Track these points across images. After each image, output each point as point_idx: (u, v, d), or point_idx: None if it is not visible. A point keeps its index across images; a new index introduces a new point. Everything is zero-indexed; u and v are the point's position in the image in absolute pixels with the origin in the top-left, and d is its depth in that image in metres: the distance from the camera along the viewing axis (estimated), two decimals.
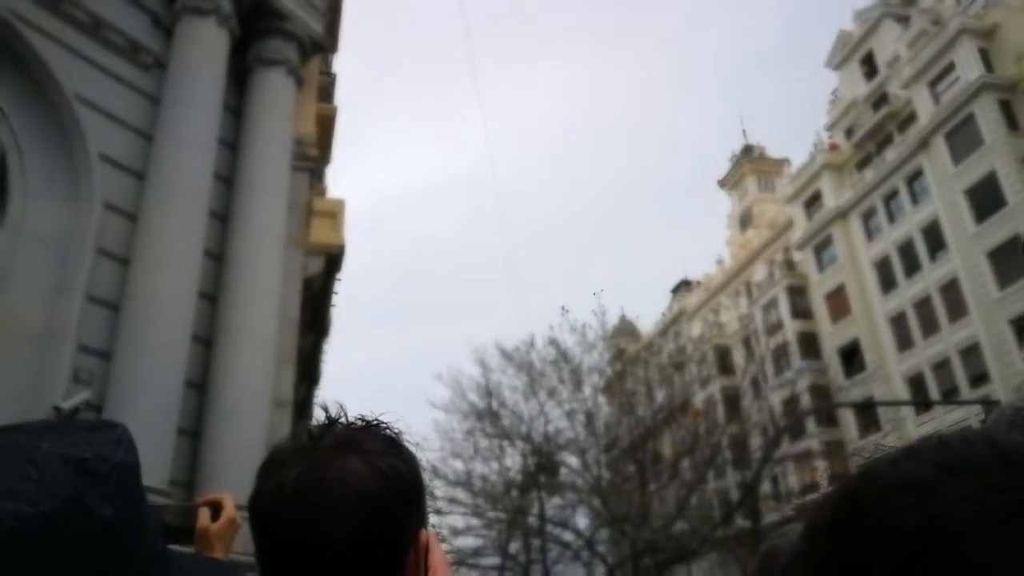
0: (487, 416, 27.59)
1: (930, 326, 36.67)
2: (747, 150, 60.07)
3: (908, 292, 38.17)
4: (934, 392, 35.47)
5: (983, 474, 0.49)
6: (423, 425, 28.12)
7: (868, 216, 41.65)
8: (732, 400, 41.32)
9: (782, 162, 56.05)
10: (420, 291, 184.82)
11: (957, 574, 0.45)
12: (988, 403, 22.15)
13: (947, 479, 0.49)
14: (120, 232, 8.00)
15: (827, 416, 40.17)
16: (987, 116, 34.38)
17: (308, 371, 16.45)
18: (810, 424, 39.39)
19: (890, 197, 40.19)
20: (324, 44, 10.71)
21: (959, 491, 0.48)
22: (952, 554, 0.46)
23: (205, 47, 8.89)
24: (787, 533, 1.90)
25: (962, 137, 35.54)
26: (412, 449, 1.13)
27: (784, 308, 45.63)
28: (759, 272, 50.55)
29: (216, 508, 1.75)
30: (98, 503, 0.78)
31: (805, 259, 46.15)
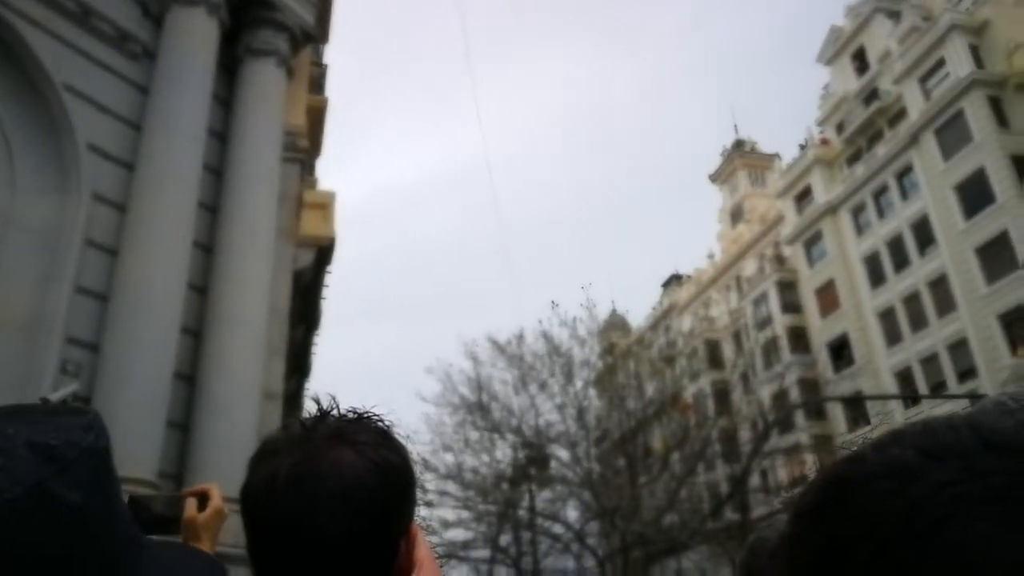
0: (478, 409, 27.63)
1: (919, 321, 36.87)
2: (738, 145, 60.17)
3: (897, 287, 38.35)
4: (922, 386, 35.70)
5: (966, 459, 0.49)
6: (414, 418, 28.13)
7: (858, 211, 41.81)
8: (722, 394, 41.54)
9: (773, 157, 56.19)
10: (416, 286, 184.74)
11: (940, 557, 0.46)
12: (976, 397, 22.29)
13: (930, 463, 0.50)
14: (109, 223, 7.95)
15: (816, 410, 40.38)
16: (977, 112, 34.52)
17: (298, 363, 16.41)
18: (799, 418, 39.59)
19: (880, 192, 40.35)
20: (315, 35, 10.66)
21: (942, 475, 0.48)
22: (935, 537, 0.46)
23: (195, 37, 8.83)
24: (775, 523, 1.90)
25: (952, 133, 35.68)
26: (403, 442, 1.14)
27: (774, 302, 45.79)
28: (749, 266, 50.70)
29: (203, 498, 1.74)
30: (65, 489, 0.77)
31: (795, 254, 46.30)
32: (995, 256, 32.98)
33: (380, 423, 1.12)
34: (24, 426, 0.81)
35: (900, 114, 39.86)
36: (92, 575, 0.80)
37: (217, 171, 9.03)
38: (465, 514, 27.51)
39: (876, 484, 0.51)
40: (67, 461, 0.79)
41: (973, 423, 0.52)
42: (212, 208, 8.83)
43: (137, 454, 6.87)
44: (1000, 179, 33.18)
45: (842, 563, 0.50)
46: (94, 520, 0.81)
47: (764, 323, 45.79)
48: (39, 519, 0.75)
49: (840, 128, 44.81)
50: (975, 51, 35.86)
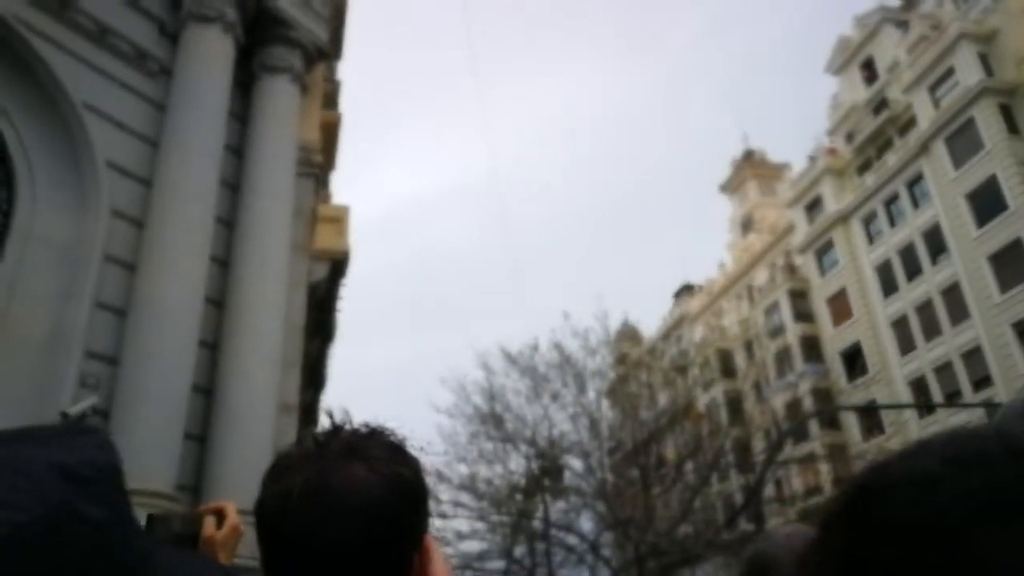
0: (491, 420, 27.58)
1: (932, 329, 36.66)
2: (748, 155, 60.12)
3: (909, 296, 38.17)
4: (936, 395, 35.43)
5: (989, 468, 0.49)
6: (428, 429, 28.14)
7: (869, 220, 41.68)
8: (735, 403, 41.37)
9: (783, 166, 56.11)
10: (429, 297, 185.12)
11: (960, 566, 0.46)
12: (991, 406, 22.16)
13: (953, 473, 0.49)
14: (127, 238, 8.05)
15: (830, 419, 40.13)
16: (987, 120, 34.42)
17: (314, 376, 16.48)
18: (813, 427, 39.38)
19: (891, 201, 40.23)
20: (328, 51, 10.78)
21: (964, 485, 0.48)
22: (955, 547, 0.46)
23: (210, 54, 8.96)
24: (771, 537, 1.90)
25: (962, 141, 35.58)
26: (416, 454, 1.15)
27: (786, 312, 45.64)
28: (761, 276, 50.57)
29: (219, 516, 1.77)
30: (87, 507, 0.80)
31: (806, 263, 46.16)
32: (1009, 264, 32.80)
33: (393, 437, 1.13)
34: (40, 448, 0.83)
35: (910, 123, 39.78)
36: None
37: (233, 186, 9.13)
38: (479, 525, 27.43)
39: (900, 493, 0.51)
40: (86, 479, 0.81)
41: (1000, 432, 0.52)
42: (228, 223, 8.93)
43: (155, 466, 6.94)
44: (1012, 186, 33.04)
45: (866, 571, 0.51)
46: (115, 534, 0.84)
47: (776, 332, 45.64)
48: (66, 536, 0.78)
49: (850, 137, 44.74)
50: (984, 59, 35.78)
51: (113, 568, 0.83)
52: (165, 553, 1.05)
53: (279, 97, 9.63)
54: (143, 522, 1.58)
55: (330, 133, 12.30)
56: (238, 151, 9.33)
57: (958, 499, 0.48)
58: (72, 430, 0.90)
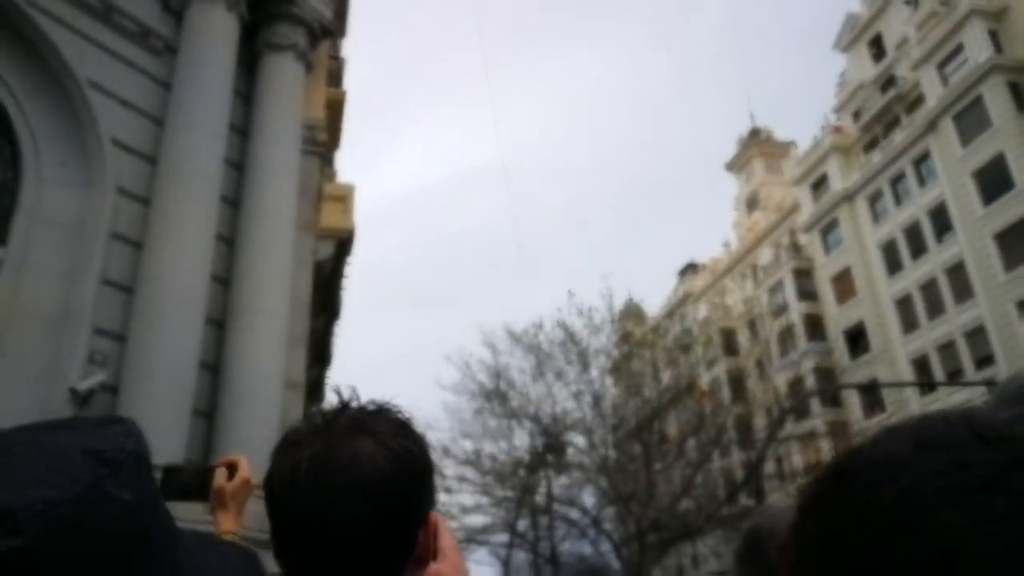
0: (496, 397, 27.78)
1: (936, 308, 36.66)
2: (754, 133, 59.78)
3: (914, 274, 38.12)
4: (939, 374, 35.52)
5: (956, 450, 0.50)
6: (434, 406, 28.38)
7: (875, 199, 41.53)
8: (737, 381, 41.53)
9: (789, 145, 55.78)
10: (438, 279, 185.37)
11: (928, 545, 0.47)
12: (993, 385, 22.19)
13: (922, 455, 0.51)
14: (133, 216, 8.07)
15: (832, 397, 40.27)
16: (996, 98, 34.16)
17: (320, 353, 16.59)
18: (815, 405, 39.52)
19: (897, 180, 40.05)
20: (333, 28, 10.72)
21: (932, 466, 0.50)
22: (923, 526, 0.48)
23: (215, 32, 8.93)
24: (765, 512, 1.93)
25: (970, 119, 35.34)
26: (422, 431, 1.18)
27: (790, 290, 45.64)
28: (765, 255, 50.50)
29: (232, 468, 1.84)
30: (117, 489, 0.85)
31: (811, 242, 46.07)
32: (1014, 242, 32.71)
33: (399, 414, 1.16)
34: (75, 435, 0.89)
35: (917, 101, 39.51)
36: (143, 566, 0.89)
37: (238, 165, 9.14)
38: (483, 500, 27.77)
39: (870, 475, 0.53)
40: (117, 464, 0.86)
41: (967, 416, 0.54)
42: (233, 202, 8.94)
43: (163, 442, 7.00)
44: (1020, 165, 32.85)
45: (840, 553, 0.52)
46: (143, 516, 0.89)
47: (780, 311, 45.68)
48: (98, 515, 0.83)
49: (857, 115, 44.47)
50: (994, 36, 35.44)
51: (141, 547, 0.88)
52: (188, 534, 1.11)
53: (283, 75, 9.59)
54: (159, 475, 1.66)
55: (335, 111, 12.25)
56: (243, 130, 9.32)
57: (926, 479, 0.49)
58: (104, 420, 0.95)
